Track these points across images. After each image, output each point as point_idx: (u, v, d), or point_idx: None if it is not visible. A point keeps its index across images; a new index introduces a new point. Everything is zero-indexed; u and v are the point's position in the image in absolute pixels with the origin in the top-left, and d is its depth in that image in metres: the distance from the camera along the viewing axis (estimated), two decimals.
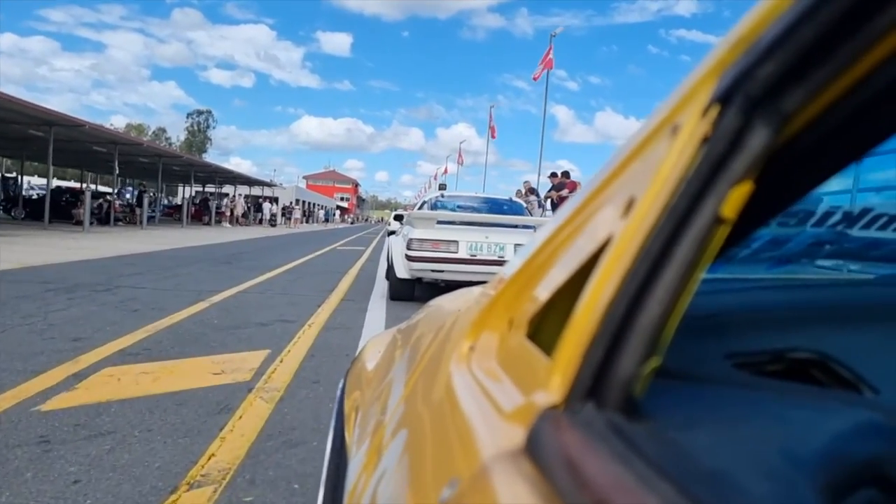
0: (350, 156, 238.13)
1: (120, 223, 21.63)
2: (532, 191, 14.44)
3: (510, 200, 7.68)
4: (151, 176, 34.75)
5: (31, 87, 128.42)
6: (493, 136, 30.65)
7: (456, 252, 5.47)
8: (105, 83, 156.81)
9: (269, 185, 42.78)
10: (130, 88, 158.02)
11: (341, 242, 19.57)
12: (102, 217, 20.09)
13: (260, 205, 36.01)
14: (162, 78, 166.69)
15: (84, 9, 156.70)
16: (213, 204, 28.96)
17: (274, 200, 39.32)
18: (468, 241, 5.48)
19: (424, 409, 0.60)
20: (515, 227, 5.83)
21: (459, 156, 40.67)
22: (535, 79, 16.78)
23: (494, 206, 7.26)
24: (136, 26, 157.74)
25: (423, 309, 1.09)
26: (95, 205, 19.82)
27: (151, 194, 26.01)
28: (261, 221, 34.92)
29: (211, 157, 70.91)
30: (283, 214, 38.33)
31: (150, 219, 23.90)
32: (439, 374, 0.61)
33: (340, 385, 1.14)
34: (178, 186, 37.27)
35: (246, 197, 35.61)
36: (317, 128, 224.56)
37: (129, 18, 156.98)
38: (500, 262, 5.38)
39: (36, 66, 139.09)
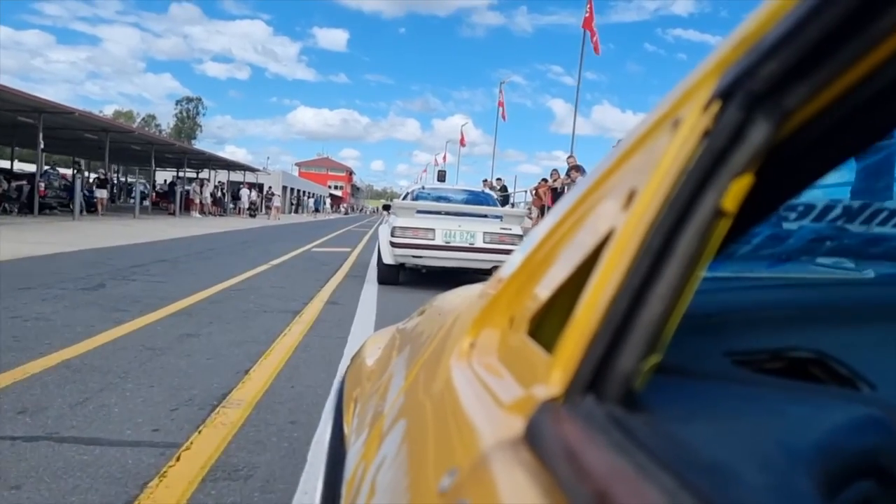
0: (346, 145, 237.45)
1: (55, 211, 17.65)
2: (578, 168, 10.68)
3: (482, 192, 8.83)
4: (121, 159, 30.71)
5: (25, 78, 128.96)
6: (503, 118, 26.77)
7: (433, 239, 6.25)
8: (100, 74, 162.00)
9: (252, 169, 38.88)
10: (126, 80, 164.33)
11: (323, 239, 15.73)
12: (24, 203, 15.96)
13: (238, 192, 31.78)
14: (157, 70, 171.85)
15: (79, 2, 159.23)
16: (180, 190, 24.88)
17: (257, 187, 35.14)
18: (443, 230, 6.29)
19: (424, 400, 0.62)
20: (485, 216, 6.76)
21: (462, 139, 37.11)
22: (593, 41, 13.81)
23: (469, 196, 8.24)
24: (132, 20, 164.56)
25: (423, 307, 1.10)
26: (14, 188, 15.73)
27: (102, 176, 21.79)
28: (239, 211, 30.74)
29: (205, 146, 67.00)
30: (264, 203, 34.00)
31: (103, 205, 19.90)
32: (439, 368, 0.63)
33: (340, 378, 1.17)
34: (155, 171, 33.02)
35: (219, 183, 31.13)
36: (312, 118, 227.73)
37: (124, 13, 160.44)
38: (470, 249, 6.28)
39: (31, 59, 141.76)
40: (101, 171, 21.64)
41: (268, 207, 31.50)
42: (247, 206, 31.08)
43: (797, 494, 0.32)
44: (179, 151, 27.65)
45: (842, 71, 0.31)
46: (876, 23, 0.28)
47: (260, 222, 25.27)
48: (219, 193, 28.98)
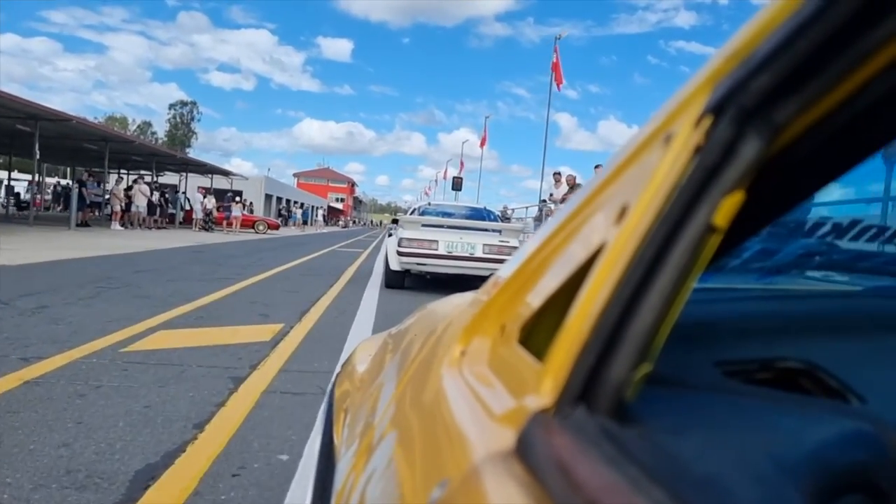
0: (351, 159, 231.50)
1: None
2: None
3: (484, 208, 9.73)
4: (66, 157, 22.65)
5: (32, 87, 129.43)
6: (558, 83, 19.08)
7: (436, 249, 7.02)
8: (107, 84, 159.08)
9: (223, 172, 30.87)
10: (132, 89, 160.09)
11: (266, 274, 7.66)
12: None
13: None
14: (163, 80, 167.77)
15: (86, 10, 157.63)
16: (87, 191, 16.96)
17: (235, 195, 27.02)
18: (446, 241, 7.04)
19: (414, 411, 0.60)
20: (485, 230, 7.46)
21: (483, 139, 33.82)
22: None
23: (471, 212, 9.15)
24: (138, 29, 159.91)
25: (414, 313, 1.09)
26: None
27: None
28: (193, 222, 22.55)
29: (210, 159, 58.95)
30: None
31: None
32: (430, 377, 0.62)
33: (330, 387, 1.15)
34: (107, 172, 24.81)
35: (155, 184, 22.65)
36: (318, 131, 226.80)
37: (130, 21, 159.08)
38: (470, 258, 7.00)
39: (39, 66, 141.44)
40: None
41: (211, 218, 23.08)
42: (201, 216, 23.01)
43: None
44: (99, 138, 19.59)
45: (833, 85, 0.31)
46: (867, 36, 0.28)
47: (204, 238, 17.26)
48: (156, 199, 20.78)
